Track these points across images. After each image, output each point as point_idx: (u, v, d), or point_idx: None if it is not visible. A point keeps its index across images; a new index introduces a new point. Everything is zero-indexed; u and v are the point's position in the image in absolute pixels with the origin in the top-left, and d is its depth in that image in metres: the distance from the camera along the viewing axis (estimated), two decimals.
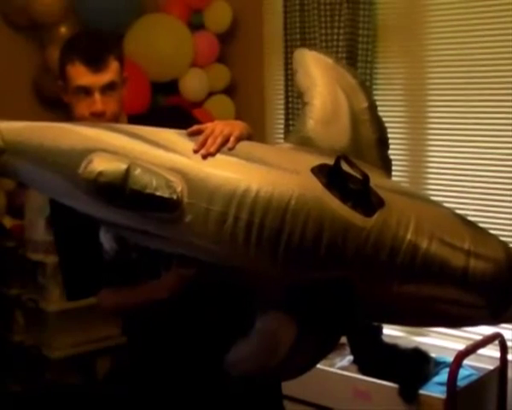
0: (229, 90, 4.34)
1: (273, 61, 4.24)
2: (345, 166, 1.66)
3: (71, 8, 4.00)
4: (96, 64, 1.98)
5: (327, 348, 1.79)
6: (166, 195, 1.60)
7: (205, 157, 1.68)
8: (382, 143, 1.86)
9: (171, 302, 1.97)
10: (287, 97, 3.93)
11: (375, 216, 1.60)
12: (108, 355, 3.83)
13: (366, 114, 1.85)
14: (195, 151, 1.69)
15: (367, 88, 1.97)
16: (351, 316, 1.70)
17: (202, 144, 1.71)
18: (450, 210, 1.78)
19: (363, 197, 1.61)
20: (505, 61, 3.34)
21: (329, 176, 1.63)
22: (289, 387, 2.50)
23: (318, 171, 1.65)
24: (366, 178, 1.62)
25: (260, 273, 1.66)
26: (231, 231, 1.59)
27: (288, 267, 1.61)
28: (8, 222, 3.93)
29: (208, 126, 1.77)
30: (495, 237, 1.77)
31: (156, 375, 2.15)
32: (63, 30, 3.97)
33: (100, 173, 1.60)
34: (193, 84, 4.17)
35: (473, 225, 1.75)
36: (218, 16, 4.27)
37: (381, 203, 1.62)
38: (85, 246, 2.04)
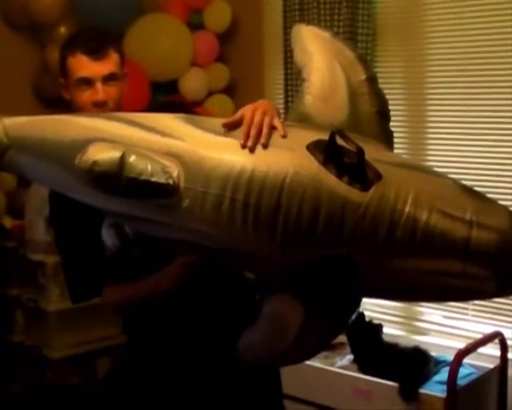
0: (229, 90, 4.34)
1: (273, 60, 4.24)
2: (341, 141, 1.63)
3: (70, 8, 4.00)
4: (96, 53, 2.00)
5: (335, 330, 1.77)
6: (162, 180, 1.60)
7: (252, 150, 1.62)
8: (383, 115, 1.82)
9: (173, 299, 1.97)
10: (286, 97, 3.94)
11: (372, 190, 1.57)
12: (108, 355, 3.82)
13: (365, 87, 1.81)
14: (243, 146, 1.63)
15: (366, 61, 1.91)
16: (355, 294, 1.68)
17: (247, 135, 1.65)
18: (453, 180, 1.72)
19: (358, 171, 1.59)
20: (504, 60, 3.34)
21: (325, 152, 1.61)
22: (290, 386, 2.50)
23: (314, 147, 1.62)
24: (361, 152, 1.59)
25: (261, 255, 1.65)
26: (228, 214, 1.59)
27: (286, 247, 1.60)
28: (9, 222, 3.93)
29: (245, 115, 1.71)
30: (501, 205, 1.70)
31: (156, 374, 2.15)
32: (63, 30, 3.97)
33: (95, 163, 1.60)
34: (193, 83, 4.17)
35: (477, 194, 1.69)
36: (218, 16, 4.27)
37: (377, 177, 1.59)
38: (87, 244, 2.03)
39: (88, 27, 2.49)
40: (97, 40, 2.03)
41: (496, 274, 1.60)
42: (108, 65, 2.02)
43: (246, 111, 1.72)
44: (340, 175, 1.58)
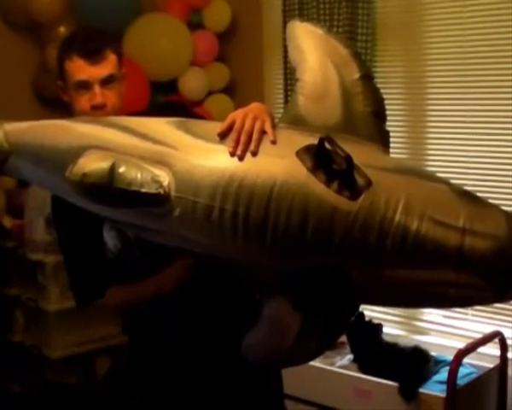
0: (229, 90, 4.34)
1: (272, 60, 4.24)
2: (330, 147, 1.60)
3: (70, 8, 4.00)
4: (93, 56, 1.99)
5: (334, 333, 1.77)
6: (152, 190, 1.60)
7: (241, 158, 1.61)
8: (378, 115, 1.77)
9: (174, 299, 1.97)
10: (286, 96, 3.93)
11: (362, 198, 1.54)
12: (108, 355, 3.82)
13: (359, 86, 1.76)
14: (232, 154, 1.62)
15: (360, 58, 1.86)
16: (349, 301, 1.66)
17: (237, 142, 1.64)
18: (448, 184, 1.65)
19: (347, 178, 1.56)
20: (504, 60, 3.34)
21: (314, 158, 1.59)
22: (290, 386, 2.50)
23: (303, 153, 1.60)
24: (349, 159, 1.57)
25: (252, 263, 1.65)
26: (218, 223, 1.58)
27: (276, 256, 1.60)
28: (8, 222, 3.92)
29: (236, 120, 1.69)
30: (498, 210, 1.63)
31: (157, 374, 2.15)
32: (62, 30, 3.96)
33: (84, 175, 1.61)
34: (192, 83, 4.17)
35: (472, 198, 1.62)
36: (218, 15, 4.27)
37: (367, 184, 1.56)
38: (89, 246, 2.03)
39: (85, 28, 2.48)
40: (94, 42, 2.02)
41: (491, 283, 1.55)
42: (106, 67, 2.00)
43: (236, 116, 1.71)
44: (329, 182, 1.56)
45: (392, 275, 1.56)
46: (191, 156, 1.64)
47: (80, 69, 1.99)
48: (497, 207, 1.66)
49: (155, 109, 2.12)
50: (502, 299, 1.67)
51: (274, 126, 1.71)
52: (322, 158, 1.59)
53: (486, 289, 1.57)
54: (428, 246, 1.53)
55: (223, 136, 1.68)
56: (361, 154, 1.61)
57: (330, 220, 1.54)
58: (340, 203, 1.54)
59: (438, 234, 1.53)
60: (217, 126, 1.71)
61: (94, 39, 2.04)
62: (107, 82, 2.01)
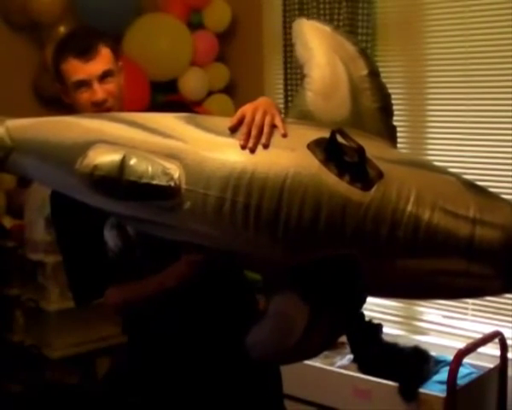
0: (229, 90, 4.35)
1: (272, 60, 4.24)
2: (342, 140, 1.62)
3: (70, 8, 4.00)
4: (86, 54, 2.00)
5: (341, 327, 1.77)
6: (163, 183, 1.60)
7: (253, 151, 1.62)
8: (385, 111, 1.79)
9: (173, 298, 1.97)
10: (286, 96, 3.94)
11: (374, 189, 1.55)
12: (108, 355, 3.83)
13: (366, 83, 1.78)
14: (243, 147, 1.63)
15: (367, 55, 1.88)
16: (359, 293, 1.67)
17: (248, 135, 1.64)
18: (456, 176, 1.69)
19: (359, 170, 1.57)
20: (504, 59, 3.34)
21: (326, 151, 1.60)
22: (290, 386, 2.50)
23: (315, 146, 1.61)
24: (361, 150, 1.58)
25: (263, 256, 1.65)
26: (230, 216, 1.58)
27: (288, 248, 1.60)
28: (8, 222, 3.93)
29: (246, 114, 1.70)
30: (505, 201, 1.67)
31: (157, 374, 2.15)
32: (62, 29, 3.95)
33: (95, 167, 1.61)
34: (192, 83, 4.17)
35: (480, 190, 1.66)
36: (218, 15, 4.28)
37: (379, 175, 1.57)
38: (89, 245, 2.03)
39: (74, 29, 2.50)
40: (85, 40, 2.03)
41: (501, 272, 1.58)
42: (101, 62, 2.01)
43: (246, 110, 1.71)
44: (341, 174, 1.57)
45: (404, 265, 1.58)
46: (201, 150, 1.64)
47: (76, 69, 2.00)
48: (502, 198, 1.69)
49: (156, 109, 2.12)
50: (510, 288, 1.69)
51: (283, 121, 1.71)
52: (333, 150, 1.59)
53: (496, 278, 1.60)
54: (440, 236, 1.55)
55: (233, 130, 1.68)
56: (371, 147, 1.62)
57: (342, 211, 1.55)
58: (352, 194, 1.55)
59: (449, 224, 1.56)
60: (226, 121, 1.72)
61: (84, 37, 2.06)
62: (104, 76, 2.02)
